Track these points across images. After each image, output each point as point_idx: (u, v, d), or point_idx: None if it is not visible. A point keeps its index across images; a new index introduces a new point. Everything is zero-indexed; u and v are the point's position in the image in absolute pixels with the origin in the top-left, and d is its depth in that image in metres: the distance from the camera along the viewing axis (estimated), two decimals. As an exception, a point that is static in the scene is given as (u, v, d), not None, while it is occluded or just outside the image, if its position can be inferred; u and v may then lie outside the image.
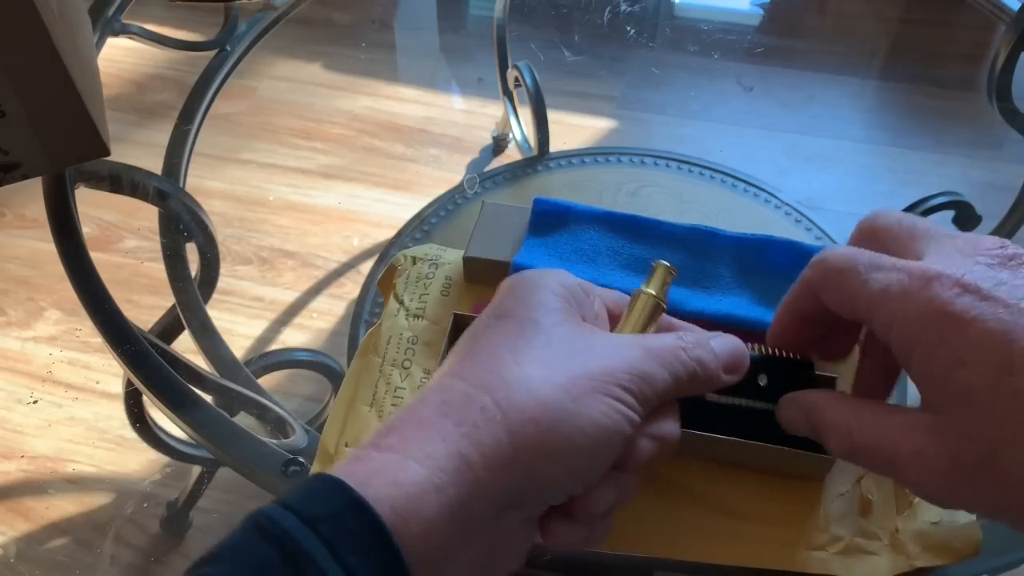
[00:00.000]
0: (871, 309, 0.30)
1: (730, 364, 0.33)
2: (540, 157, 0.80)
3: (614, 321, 0.35)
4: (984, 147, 1.25)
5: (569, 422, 0.28)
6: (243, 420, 0.44)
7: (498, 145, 1.25)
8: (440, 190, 0.77)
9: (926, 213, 0.74)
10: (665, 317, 0.35)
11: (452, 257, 0.46)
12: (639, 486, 0.32)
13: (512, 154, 1.22)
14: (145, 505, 0.92)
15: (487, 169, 0.79)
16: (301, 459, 0.40)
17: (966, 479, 0.27)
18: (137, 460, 0.95)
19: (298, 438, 0.43)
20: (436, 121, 1.32)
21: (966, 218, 0.76)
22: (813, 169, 1.24)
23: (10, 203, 1.20)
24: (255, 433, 0.41)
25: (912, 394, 0.30)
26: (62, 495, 0.92)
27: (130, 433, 0.77)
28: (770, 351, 0.36)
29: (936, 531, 0.36)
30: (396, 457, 0.27)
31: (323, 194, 1.22)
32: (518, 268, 0.43)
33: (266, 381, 0.56)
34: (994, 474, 0.27)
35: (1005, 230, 0.77)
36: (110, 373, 1.02)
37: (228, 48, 0.72)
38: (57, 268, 0.48)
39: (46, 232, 0.50)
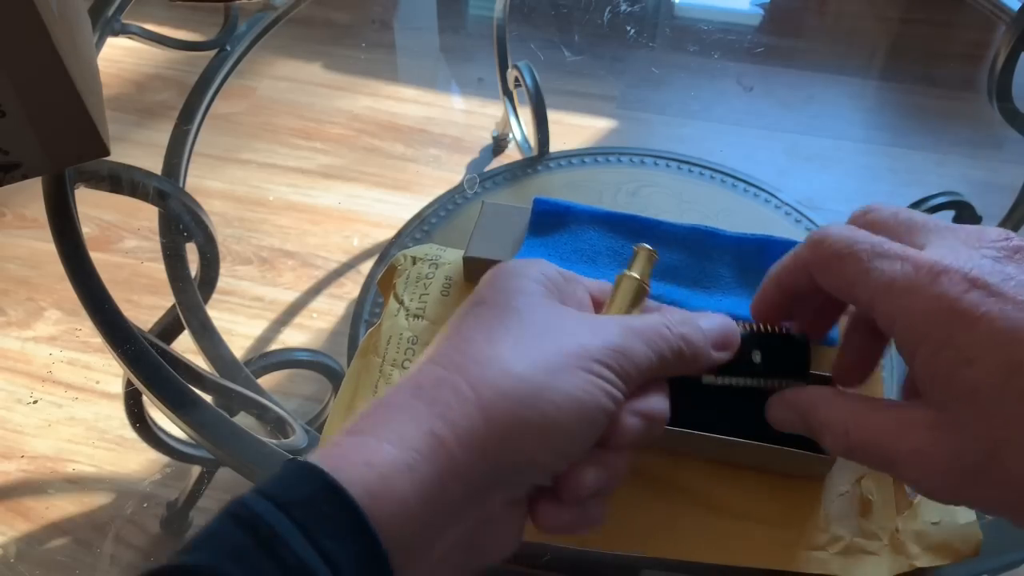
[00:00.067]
0: (873, 299, 0.29)
1: (719, 341, 0.33)
2: (540, 157, 0.80)
3: (599, 308, 0.34)
4: (984, 147, 1.25)
5: (543, 397, 0.28)
6: (243, 420, 0.44)
7: (498, 145, 1.25)
8: (440, 190, 0.77)
9: (926, 213, 0.74)
10: (651, 302, 0.35)
11: (452, 257, 0.46)
12: (628, 467, 0.31)
13: (512, 154, 1.22)
14: (145, 505, 0.92)
15: (487, 169, 0.79)
16: (301, 459, 0.40)
17: (968, 478, 0.27)
18: (137, 460, 0.95)
19: (298, 438, 0.43)
20: (436, 121, 1.32)
21: (966, 218, 0.76)
22: (813, 169, 1.23)
23: (10, 203, 1.20)
24: (255, 433, 0.41)
25: (899, 369, 0.30)
26: (62, 495, 0.92)
27: (130, 433, 0.77)
28: (762, 328, 0.35)
29: (936, 531, 0.36)
30: (369, 440, 0.26)
31: (323, 194, 1.22)
32: (518, 268, 0.43)
33: (266, 381, 0.56)
34: (996, 474, 0.27)
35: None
36: (110, 373, 1.02)
37: (228, 48, 0.72)
38: (57, 268, 0.48)
39: (46, 232, 0.50)
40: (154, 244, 0.59)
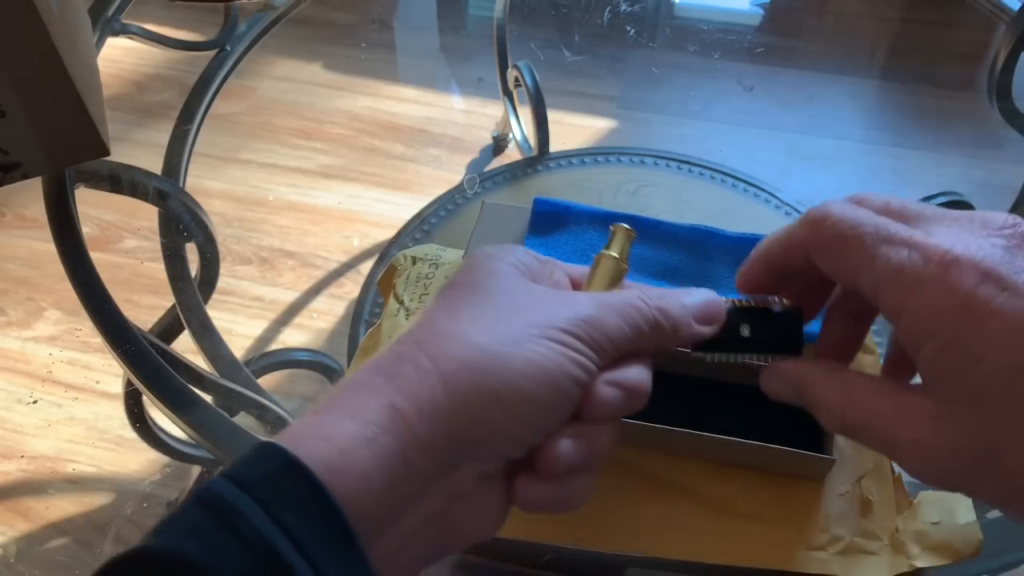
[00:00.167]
0: (878, 288, 0.28)
1: (702, 314, 0.32)
2: (540, 157, 0.80)
3: (578, 289, 0.34)
4: (984, 147, 1.25)
5: (505, 365, 0.27)
6: (243, 420, 0.44)
7: (498, 145, 1.25)
8: (440, 190, 0.77)
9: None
10: (630, 281, 0.35)
11: (452, 257, 0.46)
12: (610, 442, 0.30)
13: (512, 154, 1.22)
14: (145, 505, 0.92)
15: (487, 169, 0.79)
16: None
17: (968, 472, 0.27)
18: (137, 460, 0.95)
19: (298, 438, 0.43)
20: (436, 121, 1.32)
21: (966, 218, 0.76)
22: (813, 169, 1.24)
23: (10, 203, 1.20)
24: (255, 433, 0.41)
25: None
26: (62, 495, 0.92)
27: (130, 433, 0.77)
28: (751, 302, 0.34)
29: (936, 531, 0.36)
30: (329, 417, 0.26)
31: (323, 194, 1.22)
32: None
33: (266, 381, 0.56)
34: (998, 470, 0.27)
35: (1005, 230, 0.77)
36: (110, 373, 1.02)
37: (228, 48, 0.72)
38: (57, 268, 0.48)
39: (46, 232, 0.50)
40: (154, 244, 0.59)
